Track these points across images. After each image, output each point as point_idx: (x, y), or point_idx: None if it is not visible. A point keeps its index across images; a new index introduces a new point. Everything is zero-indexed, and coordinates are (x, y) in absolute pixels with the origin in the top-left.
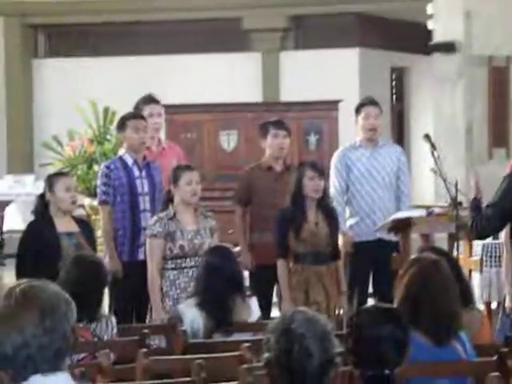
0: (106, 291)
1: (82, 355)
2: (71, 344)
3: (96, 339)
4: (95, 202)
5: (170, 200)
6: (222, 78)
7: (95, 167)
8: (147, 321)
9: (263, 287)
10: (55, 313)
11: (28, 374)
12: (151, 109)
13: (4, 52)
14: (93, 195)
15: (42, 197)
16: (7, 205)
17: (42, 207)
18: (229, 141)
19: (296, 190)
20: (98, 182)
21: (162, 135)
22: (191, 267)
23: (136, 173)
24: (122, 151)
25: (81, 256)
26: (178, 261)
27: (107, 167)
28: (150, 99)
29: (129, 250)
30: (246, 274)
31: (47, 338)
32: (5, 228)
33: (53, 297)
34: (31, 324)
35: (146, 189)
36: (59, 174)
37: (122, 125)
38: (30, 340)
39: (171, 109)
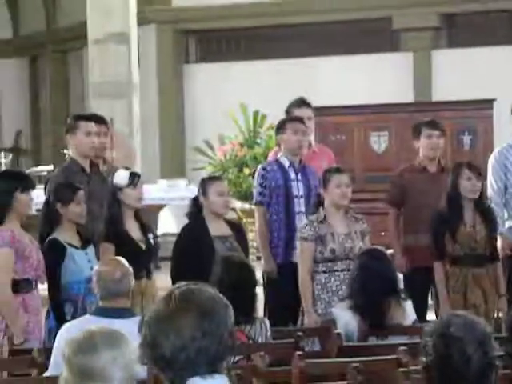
0: (261, 293)
1: (238, 357)
2: (229, 347)
3: (251, 341)
4: (246, 206)
5: (320, 203)
6: (372, 78)
7: (246, 171)
8: (298, 323)
9: (418, 290)
10: (213, 316)
11: (187, 377)
12: (302, 112)
13: (156, 58)
14: (243, 199)
15: (195, 200)
16: (161, 209)
17: (196, 211)
18: (379, 142)
19: (452, 191)
20: (255, 182)
21: (312, 137)
22: (342, 270)
23: (292, 175)
24: (271, 154)
25: (230, 259)
26: (329, 264)
27: (264, 168)
28: (301, 102)
29: (283, 252)
30: (401, 276)
31: (205, 342)
32: (159, 232)
33: (211, 300)
34: (190, 327)
35: (302, 191)
36: (213, 179)
37: (282, 127)
38: (189, 343)
39: (321, 111)
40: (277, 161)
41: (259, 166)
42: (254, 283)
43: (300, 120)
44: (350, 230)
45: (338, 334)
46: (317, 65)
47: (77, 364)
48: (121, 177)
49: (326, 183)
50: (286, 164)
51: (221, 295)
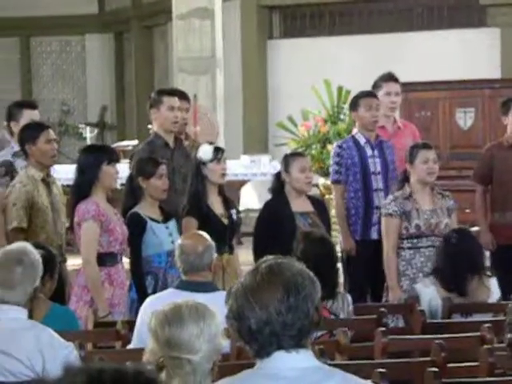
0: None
1: (320, 333)
2: (315, 323)
3: (333, 317)
4: (329, 182)
5: (406, 179)
6: (458, 54)
7: (329, 147)
8: (383, 299)
9: (505, 268)
10: (300, 291)
11: (272, 350)
12: (389, 87)
13: (240, 34)
14: (326, 175)
15: (278, 176)
16: (244, 184)
17: (278, 187)
18: (465, 118)
19: None
20: (331, 161)
21: (397, 113)
22: (427, 247)
23: (368, 152)
24: (355, 130)
25: (311, 234)
26: (414, 240)
27: (339, 146)
28: (389, 77)
29: (361, 229)
30: (487, 254)
31: (291, 316)
32: (241, 207)
33: (298, 275)
34: (276, 301)
35: (379, 168)
36: (295, 155)
37: (355, 104)
38: (274, 317)
39: (406, 87)
40: (352, 138)
41: (334, 144)
42: (335, 258)
43: (373, 95)
44: (435, 206)
45: (422, 310)
46: (402, 40)
47: (163, 336)
48: (205, 151)
49: (413, 159)
50: (362, 141)
51: (308, 270)
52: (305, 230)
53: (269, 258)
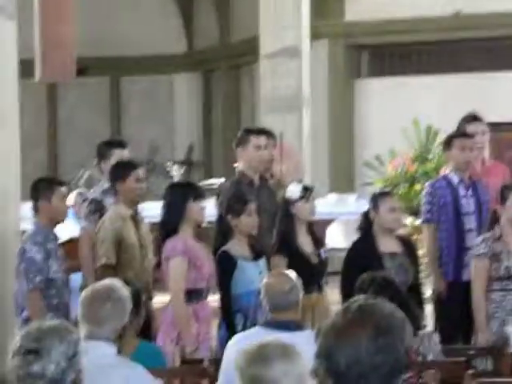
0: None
1: (408, 374)
2: (405, 365)
3: (420, 358)
4: (417, 221)
5: (496, 220)
6: None
7: (416, 186)
8: (472, 342)
9: None
10: (390, 332)
11: None
12: (475, 127)
13: (328, 73)
14: (414, 214)
15: (366, 215)
16: (330, 223)
17: (366, 226)
18: None
19: None
20: (423, 200)
21: (486, 153)
22: None
23: (462, 192)
24: (444, 170)
25: (376, 279)
26: (504, 282)
27: (432, 186)
28: (473, 117)
29: (453, 270)
30: None
31: (380, 358)
32: (328, 246)
33: (389, 316)
34: (365, 342)
35: (473, 208)
36: (384, 194)
37: (448, 143)
38: (363, 358)
39: (495, 126)
40: (445, 177)
41: (427, 183)
42: (401, 299)
43: (468, 135)
44: None
45: (511, 353)
46: (491, 79)
47: (249, 375)
48: (294, 190)
49: (504, 200)
50: (456, 180)
51: (400, 311)
52: (392, 270)
53: (360, 298)
